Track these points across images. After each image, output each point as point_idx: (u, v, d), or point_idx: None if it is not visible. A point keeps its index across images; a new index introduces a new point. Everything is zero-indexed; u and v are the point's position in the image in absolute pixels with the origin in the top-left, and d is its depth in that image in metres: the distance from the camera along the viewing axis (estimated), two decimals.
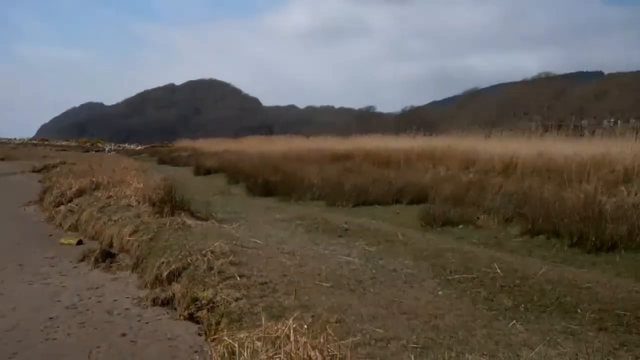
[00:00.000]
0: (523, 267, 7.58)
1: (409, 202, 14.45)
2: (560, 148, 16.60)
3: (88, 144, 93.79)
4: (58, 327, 6.39)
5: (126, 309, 7.07)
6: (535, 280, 6.94)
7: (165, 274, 7.54)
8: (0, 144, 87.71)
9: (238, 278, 6.70)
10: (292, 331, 4.10)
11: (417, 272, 7.61)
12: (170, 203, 11.07)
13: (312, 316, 5.19)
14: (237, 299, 6.04)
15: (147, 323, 6.53)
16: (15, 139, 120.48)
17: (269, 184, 18.21)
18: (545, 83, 77.58)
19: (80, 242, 11.12)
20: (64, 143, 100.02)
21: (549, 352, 4.81)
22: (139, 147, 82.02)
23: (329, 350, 3.91)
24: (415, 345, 4.76)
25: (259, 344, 4.11)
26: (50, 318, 6.69)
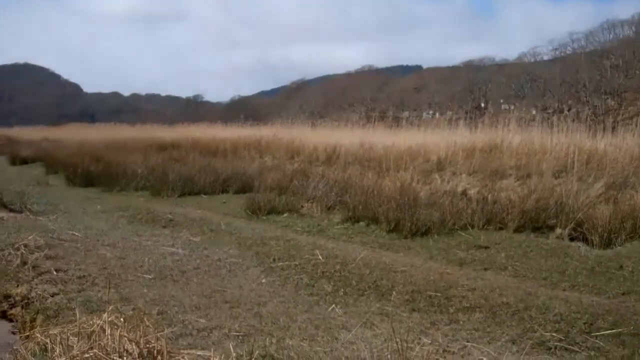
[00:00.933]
0: (343, 253, 7.86)
1: (235, 192, 14.51)
2: (381, 138, 17.36)
3: None
4: None
5: None
6: (354, 265, 7.23)
7: None
8: None
9: (54, 272, 6.45)
10: (108, 324, 4.00)
11: (242, 261, 7.68)
12: None
13: (133, 309, 5.10)
14: (53, 295, 5.82)
15: None
16: None
17: (90, 173, 17.56)
18: (368, 75, 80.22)
19: None
20: None
21: (365, 333, 5.04)
22: None
23: (147, 342, 3.87)
24: (237, 334, 4.82)
25: (74, 339, 3.98)
26: None
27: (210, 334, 4.79)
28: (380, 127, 22.54)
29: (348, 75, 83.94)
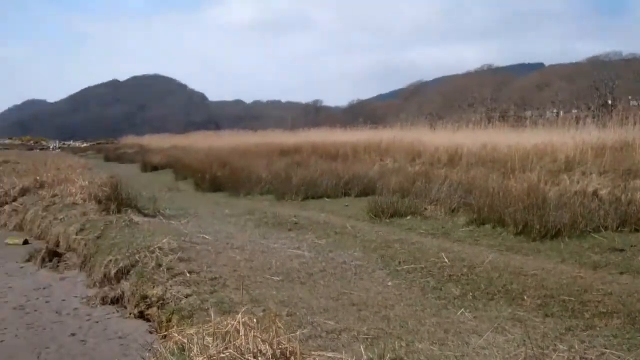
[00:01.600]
0: (470, 257, 7.71)
1: (357, 195, 14.52)
2: (504, 139, 16.92)
3: (32, 142, 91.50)
4: (6, 329, 6.27)
5: (75, 308, 6.97)
6: (482, 268, 7.08)
7: (113, 272, 7.47)
8: None
9: (188, 274, 6.67)
10: (242, 326, 4.10)
11: (367, 264, 7.69)
12: (116, 200, 10.94)
13: (263, 310, 5.19)
14: (187, 296, 6.01)
15: (97, 322, 6.45)
16: None
17: (217, 179, 18.14)
18: (488, 75, 78.72)
19: (26, 242, 10.90)
20: (6, 142, 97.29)
21: (497, 338, 4.91)
22: (85, 145, 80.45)
23: (279, 343, 3.93)
24: (366, 336, 4.81)
25: (209, 339, 4.10)
26: None
27: (340, 336, 4.81)
28: (502, 128, 21.92)
29: (467, 76, 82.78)
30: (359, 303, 5.90)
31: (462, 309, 5.80)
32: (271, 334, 3.99)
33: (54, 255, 9.42)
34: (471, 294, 6.36)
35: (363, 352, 4.10)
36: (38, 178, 16.31)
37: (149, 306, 6.41)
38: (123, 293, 6.98)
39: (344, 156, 21.79)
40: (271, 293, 6.09)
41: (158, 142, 51.50)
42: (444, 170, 15.40)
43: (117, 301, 7.01)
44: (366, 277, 7.08)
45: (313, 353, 4.12)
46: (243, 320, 4.12)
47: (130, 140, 65.23)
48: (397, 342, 4.66)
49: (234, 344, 3.88)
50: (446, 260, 7.46)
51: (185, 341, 4.10)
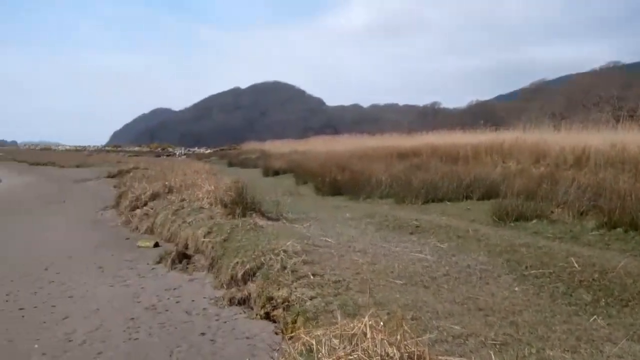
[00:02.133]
0: (601, 261, 7.39)
1: (479, 198, 14.24)
2: (634, 138, 16.11)
3: (159, 149, 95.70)
4: (139, 327, 6.58)
5: (204, 308, 7.22)
6: (615, 274, 6.77)
7: (240, 274, 7.67)
8: (76, 152, 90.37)
9: (311, 277, 6.76)
10: (368, 328, 4.11)
11: (492, 268, 7.53)
12: (241, 204, 11.22)
13: (387, 313, 5.19)
14: (311, 298, 6.09)
15: (225, 322, 6.66)
16: (89, 146, 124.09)
17: (337, 183, 18.25)
18: (614, 72, 75.22)
19: (156, 245, 11.41)
20: (136, 149, 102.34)
21: (633, 347, 4.70)
22: (208, 151, 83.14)
23: (406, 347, 3.92)
24: (494, 342, 4.72)
25: (336, 341, 4.14)
26: (132, 319, 6.89)
27: (466, 342, 4.73)
28: (631, 127, 20.83)
29: (592, 74, 79.35)
30: (485, 308, 5.79)
31: (595, 316, 5.58)
32: (398, 337, 3.98)
33: (183, 257, 9.80)
34: (604, 300, 6.11)
35: (493, 358, 4.02)
36: (166, 183, 16.99)
37: (275, 307, 6.55)
38: (249, 294, 7.17)
39: (464, 158, 21.42)
40: (394, 296, 6.07)
41: (278, 147, 52.40)
42: (571, 172, 14.83)
43: (243, 302, 7.21)
44: (492, 282, 6.93)
45: (440, 357, 4.09)
46: (369, 323, 4.13)
47: (251, 145, 66.70)
48: (526, 349, 4.54)
49: (361, 347, 3.90)
50: (576, 265, 7.19)
51: (313, 342, 4.16)
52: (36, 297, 7.93)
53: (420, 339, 4.08)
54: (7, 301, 7.78)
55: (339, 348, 3.98)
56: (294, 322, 5.82)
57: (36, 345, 6.07)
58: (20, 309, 7.42)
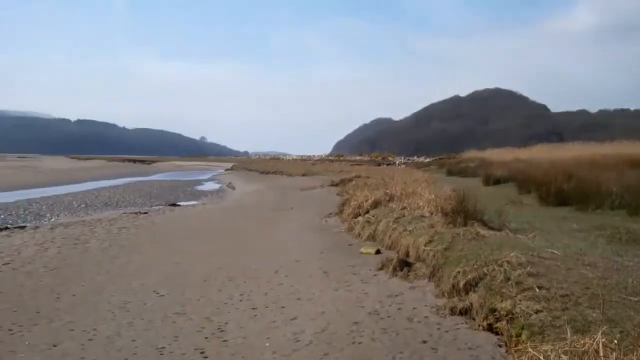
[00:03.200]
0: None
1: None
2: None
3: (379, 158, 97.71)
4: (363, 331, 6.76)
5: (425, 317, 7.26)
6: None
7: (461, 283, 7.62)
8: (302, 161, 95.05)
9: (537, 289, 6.53)
10: (601, 346, 3.91)
11: None
12: (462, 213, 11.12)
13: (621, 332, 4.88)
14: (537, 311, 5.90)
15: (447, 332, 6.63)
16: (313, 155, 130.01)
17: (563, 192, 17.42)
18: None
19: (378, 252, 11.66)
20: (357, 158, 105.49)
21: None
22: (427, 160, 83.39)
23: None
24: None
25: (565, 357, 3.98)
26: (355, 323, 7.10)
27: None
28: None
29: None
30: None
31: None
32: (633, 358, 3.74)
33: (404, 265, 9.92)
34: None
35: None
36: (387, 191, 17.29)
37: (498, 319, 6.42)
38: (471, 304, 7.08)
39: None
40: (628, 313, 5.68)
41: (498, 155, 51.17)
42: None
43: (465, 312, 7.14)
44: None
45: None
46: (602, 340, 3.92)
47: (471, 154, 65.69)
48: None
49: None
50: None
51: (541, 357, 4.04)
52: (267, 298, 8.46)
53: None
54: (241, 301, 8.37)
55: None
56: (519, 335, 5.68)
57: (267, 344, 6.46)
58: (253, 308, 7.96)
